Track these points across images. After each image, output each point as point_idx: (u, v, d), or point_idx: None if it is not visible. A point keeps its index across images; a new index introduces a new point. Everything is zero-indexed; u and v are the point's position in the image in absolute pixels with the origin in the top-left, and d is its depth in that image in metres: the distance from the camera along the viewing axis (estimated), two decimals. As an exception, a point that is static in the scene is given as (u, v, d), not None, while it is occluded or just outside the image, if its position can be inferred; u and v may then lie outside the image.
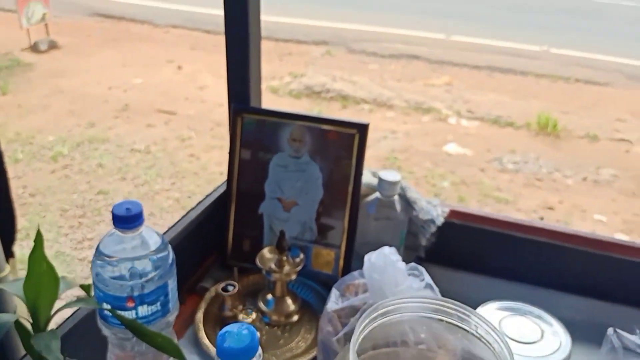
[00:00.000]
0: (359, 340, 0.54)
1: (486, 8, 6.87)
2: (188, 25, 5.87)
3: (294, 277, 0.83)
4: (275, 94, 4.24)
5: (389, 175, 0.84)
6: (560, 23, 6.36)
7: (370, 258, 0.67)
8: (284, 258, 0.82)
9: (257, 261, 0.82)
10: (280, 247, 0.81)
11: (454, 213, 0.90)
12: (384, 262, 0.65)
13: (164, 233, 0.83)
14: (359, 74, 4.67)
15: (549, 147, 3.80)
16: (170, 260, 0.60)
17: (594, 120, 4.15)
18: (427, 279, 0.66)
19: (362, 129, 0.85)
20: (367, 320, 0.55)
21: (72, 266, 2.43)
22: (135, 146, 3.37)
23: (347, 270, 0.88)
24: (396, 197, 0.85)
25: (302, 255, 0.84)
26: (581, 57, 5.41)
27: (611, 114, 4.28)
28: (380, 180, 0.84)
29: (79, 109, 3.89)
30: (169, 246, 0.61)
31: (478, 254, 0.92)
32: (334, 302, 0.71)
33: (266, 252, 0.84)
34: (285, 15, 5.90)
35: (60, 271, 2.32)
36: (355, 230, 0.89)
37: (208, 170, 3.13)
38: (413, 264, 0.70)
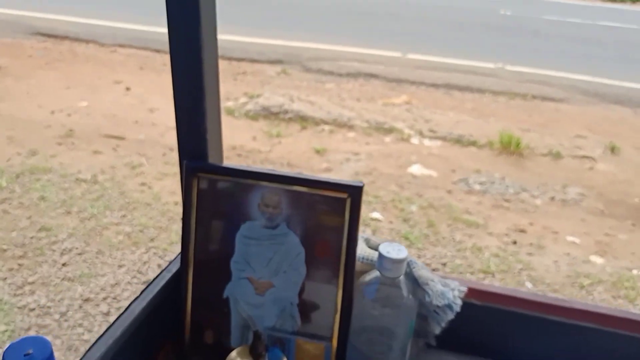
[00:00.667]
0: None
1: (438, 27, 6.92)
2: (136, 44, 5.69)
3: None
4: (230, 115, 4.08)
5: (393, 251, 0.67)
6: (511, 41, 6.48)
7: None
8: None
9: None
10: (255, 352, 0.63)
11: (472, 292, 0.74)
12: None
13: (106, 331, 0.63)
14: (316, 93, 4.57)
15: (514, 166, 3.80)
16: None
17: (554, 137, 4.18)
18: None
19: (356, 191, 0.68)
20: None
21: (11, 316, 2.19)
22: (81, 176, 3.15)
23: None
24: (402, 278, 0.68)
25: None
26: (535, 74, 5.51)
27: (571, 131, 4.33)
28: (382, 257, 0.67)
29: (19, 135, 3.63)
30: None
31: (500, 339, 0.75)
32: None
33: (235, 356, 0.65)
34: (237, 34, 5.77)
35: (-5, 326, 2.08)
36: (350, 316, 0.71)
37: (161, 200, 2.93)
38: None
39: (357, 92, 4.76)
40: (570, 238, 2.95)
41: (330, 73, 5.25)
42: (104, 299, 2.25)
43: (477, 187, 3.45)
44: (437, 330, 0.72)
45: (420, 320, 0.73)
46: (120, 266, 2.42)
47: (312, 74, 5.23)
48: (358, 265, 0.72)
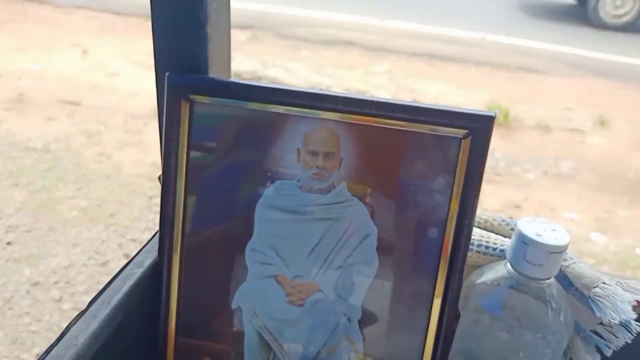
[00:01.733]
0: None
1: (417, -6, 6.72)
2: (95, 6, 5.31)
3: None
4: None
5: (545, 232, 0.39)
6: (495, 10, 6.37)
7: None
8: None
9: None
10: None
11: None
12: None
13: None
14: (291, 60, 4.32)
15: (503, 139, 3.67)
16: None
17: (543, 109, 4.08)
18: None
19: (482, 125, 0.40)
20: None
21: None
22: (31, 144, 2.86)
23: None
24: (553, 281, 0.40)
25: None
26: (519, 45, 5.40)
27: (558, 103, 4.23)
28: (524, 242, 0.39)
29: (-40, 99, 3.31)
30: None
31: None
32: None
33: None
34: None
35: None
36: (451, 341, 0.43)
37: (122, 171, 2.66)
38: None
39: (335, 60, 4.54)
40: (568, 214, 2.85)
41: (306, 40, 5.02)
42: (56, 283, 2.00)
43: (467, 160, 3.30)
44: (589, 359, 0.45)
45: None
46: (74, 245, 2.15)
47: (286, 40, 5.00)
48: (470, 258, 0.44)
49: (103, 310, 0.43)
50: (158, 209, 0.45)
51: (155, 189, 2.48)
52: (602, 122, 3.91)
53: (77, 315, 0.43)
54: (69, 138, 2.97)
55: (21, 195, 2.47)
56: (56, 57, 4.07)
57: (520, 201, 2.89)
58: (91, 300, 0.45)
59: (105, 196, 2.46)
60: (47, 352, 0.40)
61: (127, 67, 4.00)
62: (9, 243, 2.20)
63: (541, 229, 0.40)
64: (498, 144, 3.40)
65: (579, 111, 4.06)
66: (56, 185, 2.55)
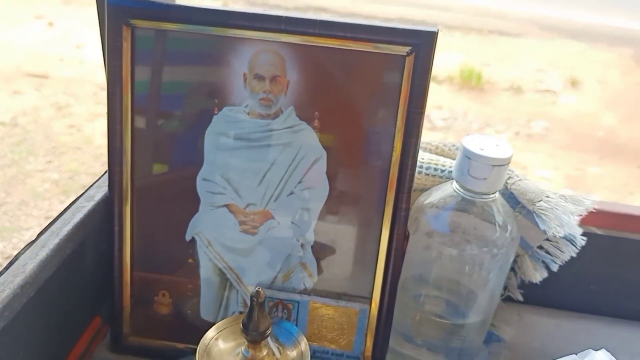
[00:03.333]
0: None
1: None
2: (59, -22, 5.17)
3: None
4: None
5: (488, 147, 0.40)
6: None
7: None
8: (263, 353, 0.36)
9: (199, 357, 0.35)
10: (255, 330, 0.35)
11: (593, 217, 0.47)
12: None
13: None
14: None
15: (475, 101, 3.70)
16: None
17: (515, 71, 4.10)
18: None
19: (425, 41, 0.40)
20: None
21: None
22: None
23: (383, 345, 0.44)
24: (497, 196, 0.41)
25: (303, 344, 0.38)
26: (491, 8, 5.39)
27: (531, 65, 4.25)
28: (471, 158, 0.39)
29: None
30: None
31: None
32: None
33: (217, 337, 0.38)
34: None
35: None
36: (401, 264, 0.44)
37: (94, 143, 2.62)
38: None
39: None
40: (539, 172, 2.90)
41: (277, 7, 4.95)
42: (29, 255, 1.96)
43: (440, 123, 3.33)
44: (539, 278, 0.46)
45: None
46: (47, 218, 2.13)
47: (256, 6, 4.93)
48: (415, 181, 0.44)
49: (52, 241, 0.43)
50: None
51: (127, 160, 2.46)
52: (573, 83, 3.95)
53: (26, 245, 0.43)
54: (37, 111, 2.91)
55: (-10, 170, 2.43)
56: (21, 30, 3.97)
57: (493, 161, 2.93)
58: (40, 232, 0.44)
59: (77, 168, 2.43)
60: (5, 269, 0.40)
61: (93, 38, 3.91)
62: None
63: (485, 144, 0.40)
64: (471, 106, 3.42)
65: (550, 73, 4.09)
66: (26, 159, 2.51)
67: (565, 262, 0.47)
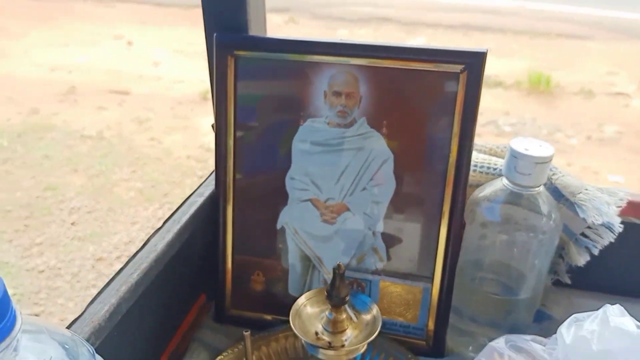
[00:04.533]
0: None
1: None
2: (135, -1, 5.45)
3: (363, 349, 0.45)
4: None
5: (532, 147, 0.47)
6: None
7: (582, 332, 0.31)
8: (343, 316, 0.44)
9: (292, 323, 0.44)
10: (337, 297, 0.43)
11: (633, 206, 0.53)
12: (628, 349, 0.29)
13: (108, 283, 0.44)
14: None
15: (544, 106, 3.62)
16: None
17: (585, 75, 3.98)
18: None
19: (476, 60, 0.47)
20: None
21: (19, 279, 2.07)
22: (86, 132, 2.98)
23: (444, 319, 0.51)
24: (542, 189, 0.48)
25: (375, 310, 0.47)
26: (558, 11, 5.27)
27: (601, 68, 4.12)
28: (515, 157, 0.47)
29: (18, 95, 3.47)
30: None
31: None
32: None
33: (305, 303, 0.46)
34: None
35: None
36: (459, 248, 0.51)
37: (173, 155, 2.77)
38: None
39: (371, 37, 4.54)
40: (612, 177, 2.82)
41: (341, 19, 5.03)
42: (118, 257, 2.12)
43: (508, 128, 3.28)
44: (582, 262, 0.52)
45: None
46: (133, 223, 2.28)
47: (321, 20, 5.02)
48: (470, 178, 0.52)
49: (174, 227, 0.53)
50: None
51: (204, 169, 2.59)
52: (646, 85, 3.82)
53: (155, 231, 0.53)
54: (120, 125, 3.08)
55: (80, 180, 2.60)
56: (102, 50, 4.21)
57: (563, 166, 2.88)
58: (165, 221, 0.54)
59: (158, 178, 2.58)
60: (134, 255, 0.50)
61: (169, 55, 4.10)
62: (72, 223, 2.33)
63: (529, 145, 0.47)
64: (540, 111, 3.37)
65: (622, 75, 3.96)
66: (112, 170, 2.67)
67: (610, 249, 0.52)
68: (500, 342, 0.39)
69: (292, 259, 0.56)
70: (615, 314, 0.32)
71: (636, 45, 4.62)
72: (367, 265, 0.55)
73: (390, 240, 0.53)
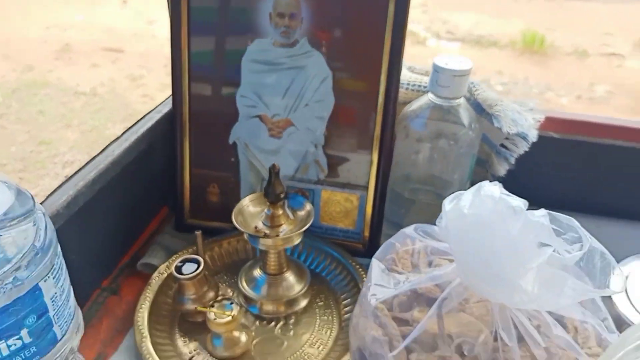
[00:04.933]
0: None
1: None
2: (132, -43, 5.40)
3: (297, 241, 0.51)
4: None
5: (453, 62, 0.51)
6: None
7: (460, 206, 0.35)
8: (280, 212, 0.49)
9: (235, 220, 0.49)
10: (273, 193, 0.48)
11: (550, 122, 0.57)
12: (491, 210, 0.33)
13: (68, 179, 0.49)
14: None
15: (537, 66, 3.61)
16: (46, 240, 0.28)
17: (581, 36, 3.95)
18: (589, 239, 0.34)
19: None
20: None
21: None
22: (80, 89, 3.01)
23: (378, 223, 0.56)
24: (462, 101, 0.52)
25: (308, 206, 0.52)
26: (558, -28, 5.19)
27: (598, 29, 4.08)
28: (437, 71, 0.50)
29: (13, 52, 3.48)
30: (41, 213, 0.32)
31: (584, 182, 0.59)
32: (377, 284, 0.39)
33: (248, 204, 0.51)
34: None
35: None
36: (391, 158, 0.56)
37: (165, 110, 2.79)
38: (544, 210, 0.38)
39: (367, -4, 4.49)
40: None
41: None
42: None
43: (500, 87, 3.29)
44: (503, 171, 0.56)
45: (478, 163, 0.57)
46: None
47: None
48: (402, 95, 0.55)
49: (132, 137, 0.57)
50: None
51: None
52: (642, 45, 3.81)
53: (113, 140, 0.57)
54: (114, 82, 3.10)
55: (74, 135, 2.63)
56: (98, 8, 4.19)
57: (551, 125, 2.90)
58: (124, 132, 0.59)
59: (150, 133, 2.62)
60: (92, 159, 0.54)
61: (164, 14, 4.07)
62: (66, 177, 2.37)
63: (450, 61, 0.51)
64: (532, 71, 3.37)
65: (619, 36, 3.94)
66: (105, 125, 2.70)
67: (531, 162, 0.57)
68: (410, 229, 0.44)
69: (244, 172, 0.61)
70: (487, 185, 0.36)
71: (636, 6, 4.58)
72: (310, 176, 0.60)
73: (330, 153, 0.58)
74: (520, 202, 0.34)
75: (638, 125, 0.62)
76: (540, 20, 4.12)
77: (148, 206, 0.64)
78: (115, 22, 3.95)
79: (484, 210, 0.34)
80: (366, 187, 0.57)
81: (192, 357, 0.50)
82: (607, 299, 0.46)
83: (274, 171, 0.47)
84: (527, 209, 0.35)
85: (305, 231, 0.50)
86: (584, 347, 0.36)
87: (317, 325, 0.53)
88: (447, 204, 0.36)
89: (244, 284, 0.54)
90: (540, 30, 3.81)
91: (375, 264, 0.42)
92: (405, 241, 0.43)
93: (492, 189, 0.35)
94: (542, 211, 0.35)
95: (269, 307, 0.54)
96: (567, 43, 3.78)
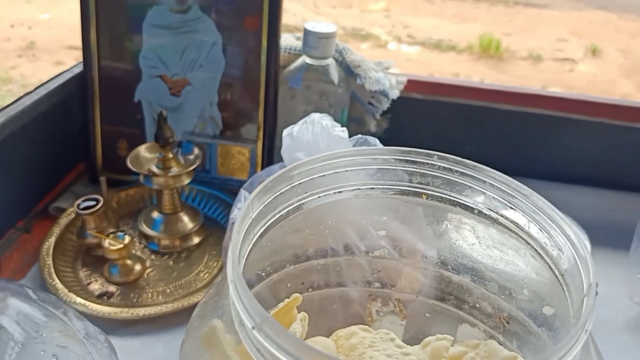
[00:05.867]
0: (253, 243, 0.30)
1: None
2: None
3: (186, 181, 0.59)
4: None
5: (320, 26, 0.59)
6: None
7: (293, 132, 0.43)
8: (170, 155, 0.57)
9: (130, 163, 0.56)
10: (162, 137, 0.55)
11: (413, 84, 0.66)
12: (314, 133, 0.41)
13: None
14: (289, 1, 4.40)
15: (493, 69, 3.73)
16: None
17: (536, 41, 4.08)
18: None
19: None
20: (265, 198, 0.31)
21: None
22: None
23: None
24: (331, 62, 0.60)
25: (197, 151, 0.60)
26: (519, -20, 5.33)
27: (553, 35, 4.22)
28: (307, 35, 0.59)
29: (-24, 49, 3.47)
30: None
31: (450, 140, 0.68)
32: (240, 208, 0.46)
33: (143, 150, 0.58)
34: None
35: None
36: (276, 115, 0.64)
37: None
38: (362, 136, 0.46)
39: (333, 0, 4.59)
40: None
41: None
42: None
43: (455, 89, 3.37)
44: (373, 127, 0.65)
45: (353, 120, 0.65)
46: None
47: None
48: (285, 57, 0.63)
49: (43, 91, 0.64)
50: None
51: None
52: (594, 51, 3.94)
53: (26, 93, 0.64)
54: (77, 79, 3.13)
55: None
56: (63, 7, 4.19)
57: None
58: (38, 86, 0.65)
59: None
60: (4, 108, 0.60)
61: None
62: None
63: (318, 25, 0.60)
64: (488, 74, 3.49)
65: (572, 42, 4.08)
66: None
67: (401, 121, 0.65)
68: (277, 165, 0.51)
69: (149, 128, 0.68)
70: (314, 115, 0.44)
71: (592, 14, 4.75)
72: (208, 132, 0.67)
73: (223, 110, 0.66)
74: (328, 122, 0.42)
75: (489, 86, 0.71)
76: (498, 26, 4.26)
77: (64, 160, 0.71)
78: (78, 20, 3.96)
79: (310, 132, 0.42)
80: (255, 141, 0.65)
81: (90, 282, 0.57)
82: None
83: (162, 117, 0.55)
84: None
85: (204, 182, 0.58)
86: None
87: (206, 259, 0.60)
88: (286, 132, 0.44)
89: (143, 224, 0.61)
90: (497, 35, 3.93)
91: (242, 193, 0.50)
92: (270, 174, 0.50)
93: (315, 117, 0.43)
94: (343, 129, 0.43)
95: (165, 242, 0.61)
96: (523, 48, 3.91)
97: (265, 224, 0.32)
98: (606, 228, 0.59)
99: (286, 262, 0.37)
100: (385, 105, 0.64)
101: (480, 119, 0.68)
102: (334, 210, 0.36)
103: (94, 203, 0.57)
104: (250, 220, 0.30)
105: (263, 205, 0.31)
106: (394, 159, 0.35)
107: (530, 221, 0.31)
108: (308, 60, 0.62)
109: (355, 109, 0.66)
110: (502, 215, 0.33)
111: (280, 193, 0.32)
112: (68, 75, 0.67)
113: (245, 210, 0.29)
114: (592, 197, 0.66)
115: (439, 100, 0.67)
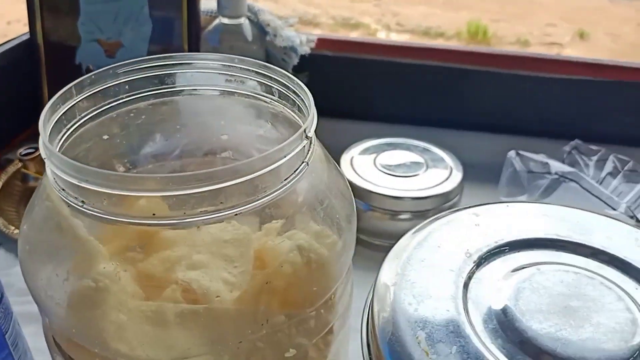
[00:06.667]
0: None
1: None
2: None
3: None
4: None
5: None
6: None
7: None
8: None
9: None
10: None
11: (324, 42, 0.73)
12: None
13: None
14: (279, -8, 4.44)
15: None
16: None
17: (525, 26, 4.09)
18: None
19: None
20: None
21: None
22: None
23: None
24: (244, 21, 0.67)
25: None
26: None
27: (542, 20, 4.23)
28: None
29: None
30: None
31: (362, 95, 0.75)
32: None
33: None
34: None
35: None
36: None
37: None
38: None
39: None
40: None
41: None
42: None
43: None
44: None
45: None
46: None
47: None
48: (205, 19, 0.71)
49: None
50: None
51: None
52: (581, 35, 3.96)
53: None
54: None
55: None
56: None
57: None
58: None
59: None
60: None
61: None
62: None
63: None
64: (475, 60, 3.55)
65: (561, 27, 4.10)
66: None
67: (323, 79, 0.72)
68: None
69: (87, 90, 0.76)
70: None
71: (583, 0, 4.77)
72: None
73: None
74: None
75: (396, 43, 0.78)
76: (488, 12, 4.28)
77: (15, 122, 0.78)
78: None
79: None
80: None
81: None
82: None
83: (89, 71, 0.63)
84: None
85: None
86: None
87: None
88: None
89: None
90: (487, 22, 3.97)
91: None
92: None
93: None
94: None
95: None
96: (511, 33, 3.93)
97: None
98: (489, 166, 0.66)
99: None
100: (295, 60, 0.71)
101: (389, 74, 0.75)
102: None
103: (34, 150, 0.65)
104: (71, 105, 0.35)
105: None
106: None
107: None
108: (222, 20, 0.69)
109: (271, 61, 0.73)
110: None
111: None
112: (15, 42, 0.75)
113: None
114: (486, 141, 0.73)
115: (349, 56, 0.75)
